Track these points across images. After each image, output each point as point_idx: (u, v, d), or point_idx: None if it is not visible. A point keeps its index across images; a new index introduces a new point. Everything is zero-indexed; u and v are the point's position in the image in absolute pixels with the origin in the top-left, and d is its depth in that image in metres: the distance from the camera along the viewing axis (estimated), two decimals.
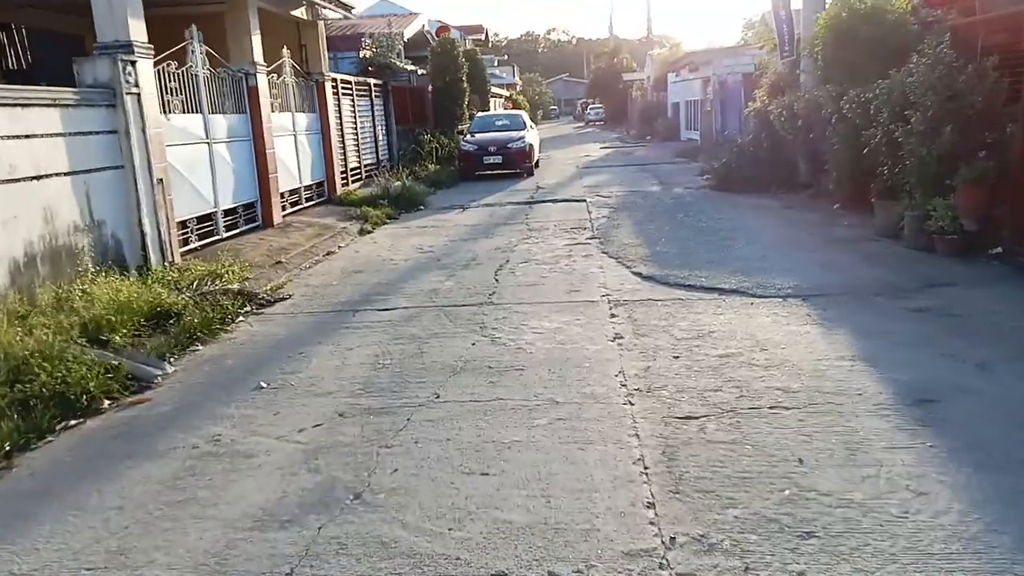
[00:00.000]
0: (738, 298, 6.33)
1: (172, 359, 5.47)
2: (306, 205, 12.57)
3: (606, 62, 59.14)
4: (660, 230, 9.81)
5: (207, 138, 9.22)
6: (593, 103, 61.65)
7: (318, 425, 4.19)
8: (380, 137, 17.89)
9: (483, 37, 41.90)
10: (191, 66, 8.86)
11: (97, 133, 7.09)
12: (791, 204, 11.46)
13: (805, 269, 7.18)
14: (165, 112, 8.22)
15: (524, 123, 20.33)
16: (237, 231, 10.02)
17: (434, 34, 25.72)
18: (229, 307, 6.65)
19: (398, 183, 14.24)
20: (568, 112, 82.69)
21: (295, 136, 12.21)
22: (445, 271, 8.13)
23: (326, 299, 7.25)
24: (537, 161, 20.36)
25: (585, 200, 13.48)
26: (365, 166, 16.49)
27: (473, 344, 5.48)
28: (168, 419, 4.45)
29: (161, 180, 7.79)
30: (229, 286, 7.12)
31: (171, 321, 6.07)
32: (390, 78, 18.72)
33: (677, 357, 4.93)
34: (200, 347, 5.83)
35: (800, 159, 12.71)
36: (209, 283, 7.08)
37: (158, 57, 8.01)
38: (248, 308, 6.88)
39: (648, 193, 14.09)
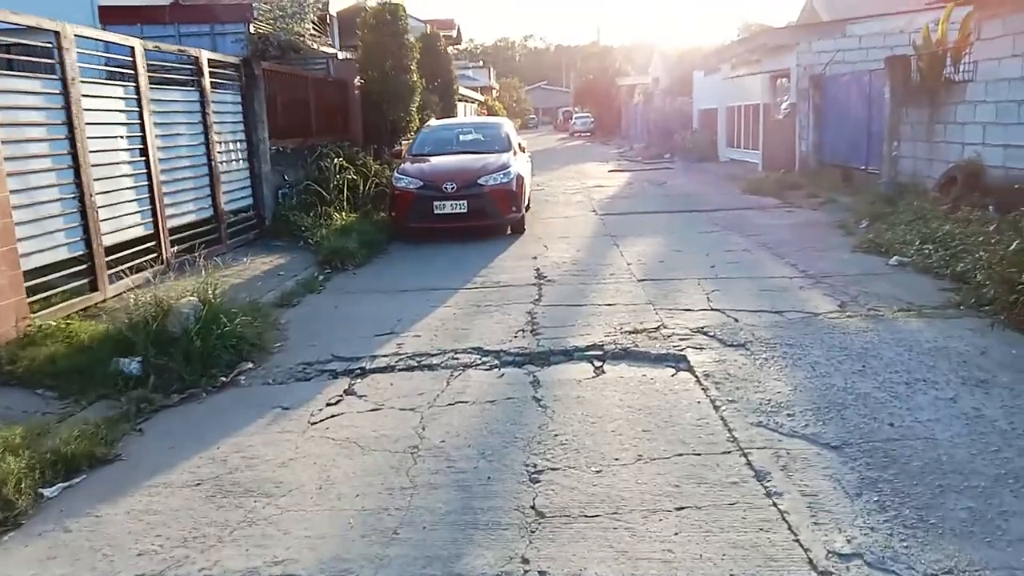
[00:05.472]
0: None
1: None
2: None
3: (595, 66, 51.15)
4: None
5: None
6: (579, 112, 54.00)
7: None
8: (225, 167, 9.01)
9: (455, 34, 33.41)
10: None
11: None
12: None
13: None
14: None
15: (507, 139, 11.59)
16: None
17: None
18: None
19: (191, 299, 5.42)
20: (547, 121, 76.49)
21: None
22: None
23: None
24: (528, 202, 11.64)
25: (686, 360, 4.78)
26: (172, 230, 7.61)
27: None
28: None
29: None
30: None
31: None
32: (256, 61, 9.83)
33: None
34: None
35: None
36: None
37: None
38: None
39: (833, 332, 5.23)
